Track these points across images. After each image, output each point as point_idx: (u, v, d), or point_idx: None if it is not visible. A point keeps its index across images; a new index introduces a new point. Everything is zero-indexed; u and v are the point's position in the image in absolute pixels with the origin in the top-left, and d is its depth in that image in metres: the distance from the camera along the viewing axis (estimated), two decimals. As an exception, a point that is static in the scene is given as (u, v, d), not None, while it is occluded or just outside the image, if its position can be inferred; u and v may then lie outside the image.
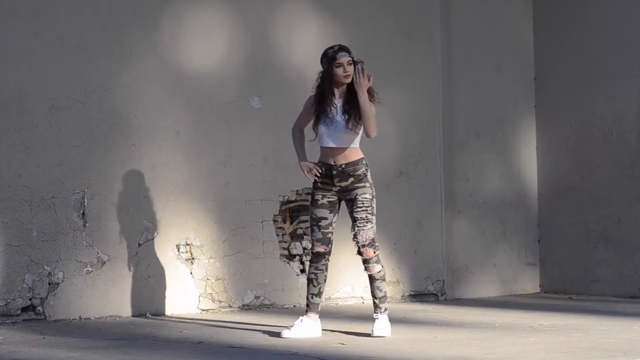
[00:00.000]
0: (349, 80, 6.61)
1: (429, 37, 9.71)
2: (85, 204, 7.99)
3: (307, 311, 6.72)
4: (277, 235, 8.85)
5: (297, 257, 8.92)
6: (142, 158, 8.25)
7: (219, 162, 8.57)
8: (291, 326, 6.64)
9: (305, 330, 6.63)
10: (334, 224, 6.72)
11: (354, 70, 6.58)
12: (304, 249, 8.91)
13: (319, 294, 6.73)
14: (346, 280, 9.10)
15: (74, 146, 7.96)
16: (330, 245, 6.72)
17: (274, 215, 8.84)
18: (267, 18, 8.90)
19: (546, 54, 10.15)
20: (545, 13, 10.20)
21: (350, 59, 6.60)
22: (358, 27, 9.33)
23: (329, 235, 6.70)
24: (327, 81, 6.63)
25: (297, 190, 8.92)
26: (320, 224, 6.67)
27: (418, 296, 9.54)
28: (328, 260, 6.74)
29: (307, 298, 6.74)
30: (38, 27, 7.87)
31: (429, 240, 9.62)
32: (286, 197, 8.89)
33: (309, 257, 8.96)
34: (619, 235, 9.48)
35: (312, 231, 6.71)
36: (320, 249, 6.69)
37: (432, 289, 9.61)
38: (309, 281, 6.74)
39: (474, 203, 9.88)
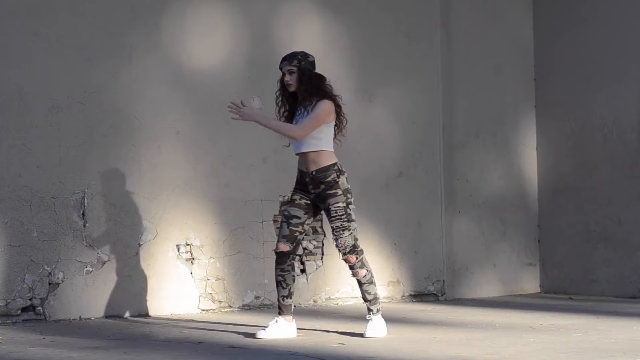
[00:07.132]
0: (290, 89, 6.64)
1: (429, 37, 9.71)
2: (85, 204, 7.99)
3: (280, 313, 6.68)
4: (277, 235, 8.83)
5: (297, 258, 8.91)
6: (142, 158, 8.25)
7: (219, 162, 8.57)
8: (266, 327, 6.61)
9: (280, 331, 6.59)
10: (305, 226, 6.64)
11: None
12: (304, 249, 8.91)
13: (290, 295, 6.67)
14: (346, 280, 9.09)
15: (74, 146, 7.96)
16: (295, 245, 6.64)
17: (274, 216, 8.83)
18: (268, 18, 8.90)
19: (546, 54, 10.15)
20: (545, 13, 10.20)
21: (291, 67, 6.60)
22: (358, 27, 9.34)
23: (297, 234, 6.62)
24: (282, 88, 6.72)
25: (297, 190, 8.91)
26: (290, 221, 6.61)
27: (418, 296, 9.54)
28: (294, 259, 6.68)
29: (279, 300, 6.67)
30: (38, 27, 7.87)
31: (429, 240, 9.62)
32: (286, 197, 8.88)
33: (307, 257, 9.00)
34: (619, 235, 9.48)
35: (280, 227, 6.66)
36: (284, 246, 6.61)
37: (432, 289, 9.61)
38: (278, 284, 6.67)
39: (474, 203, 9.88)
